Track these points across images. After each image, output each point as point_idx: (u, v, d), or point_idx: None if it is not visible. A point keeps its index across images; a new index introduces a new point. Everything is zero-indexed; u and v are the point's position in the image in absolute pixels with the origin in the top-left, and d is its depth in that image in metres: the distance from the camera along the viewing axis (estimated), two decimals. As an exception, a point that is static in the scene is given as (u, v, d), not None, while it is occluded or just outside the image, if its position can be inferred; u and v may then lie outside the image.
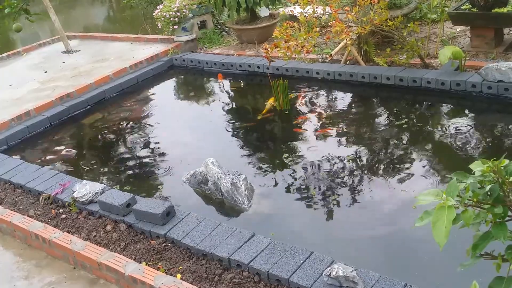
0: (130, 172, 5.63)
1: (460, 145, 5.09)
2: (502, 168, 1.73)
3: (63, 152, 6.31)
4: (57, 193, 4.92)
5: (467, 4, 6.73)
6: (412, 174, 4.69)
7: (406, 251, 3.80)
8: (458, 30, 7.65)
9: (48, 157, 6.26)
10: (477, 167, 1.76)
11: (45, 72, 9.21)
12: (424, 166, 4.78)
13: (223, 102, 7.21)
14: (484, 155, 4.78)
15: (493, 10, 6.36)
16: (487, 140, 5.13)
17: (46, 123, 7.11)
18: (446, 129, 5.42)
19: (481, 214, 1.73)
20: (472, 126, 5.41)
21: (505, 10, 6.33)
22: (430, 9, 7.69)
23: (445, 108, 5.95)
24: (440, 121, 5.65)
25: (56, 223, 4.62)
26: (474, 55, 6.62)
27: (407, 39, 6.59)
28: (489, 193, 1.74)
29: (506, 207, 1.74)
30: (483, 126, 5.40)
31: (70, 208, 4.74)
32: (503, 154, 2.05)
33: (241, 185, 4.65)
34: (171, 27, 8.97)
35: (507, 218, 1.78)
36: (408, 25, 6.54)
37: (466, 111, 5.78)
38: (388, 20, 6.25)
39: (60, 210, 4.79)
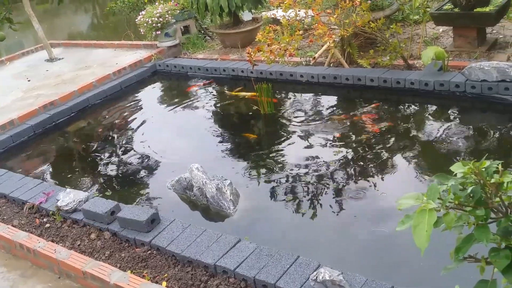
0: (114, 179, 5.59)
1: (444, 146, 5.10)
2: (483, 169, 1.72)
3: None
4: (41, 202, 4.87)
5: (449, 4, 6.77)
6: (397, 176, 4.71)
7: (392, 254, 3.80)
8: (440, 30, 7.70)
9: (32, 166, 6.20)
10: (458, 169, 1.75)
11: (29, 81, 9.14)
12: (408, 168, 4.79)
13: (206, 107, 7.18)
14: (468, 155, 4.80)
15: (475, 10, 6.40)
16: (471, 140, 5.14)
17: (30, 132, 7.05)
18: (430, 129, 5.43)
19: (463, 216, 1.71)
20: (456, 126, 5.43)
21: (487, 9, 6.37)
22: (412, 10, 7.72)
23: (429, 108, 5.97)
24: (424, 122, 5.67)
25: (41, 233, 4.57)
26: (457, 55, 6.66)
27: (390, 40, 6.61)
28: (471, 195, 1.73)
29: (488, 209, 1.73)
30: (467, 126, 5.42)
31: (54, 217, 4.69)
32: (487, 154, 2.05)
33: (226, 190, 4.62)
34: (154, 32, 8.94)
35: (489, 220, 1.77)
36: (391, 26, 6.57)
37: (450, 111, 5.80)
38: (370, 22, 6.27)
39: (44, 219, 4.75)
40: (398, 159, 4.95)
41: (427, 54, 5.88)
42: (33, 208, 4.90)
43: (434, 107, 5.96)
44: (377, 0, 7.16)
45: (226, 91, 7.39)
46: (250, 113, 6.62)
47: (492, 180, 1.71)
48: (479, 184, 1.74)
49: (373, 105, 6.12)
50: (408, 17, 8.09)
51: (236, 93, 7.21)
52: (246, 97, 6.69)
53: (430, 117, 5.78)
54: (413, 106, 6.10)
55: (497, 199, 1.75)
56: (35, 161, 6.42)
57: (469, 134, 5.24)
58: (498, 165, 1.75)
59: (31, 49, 11.40)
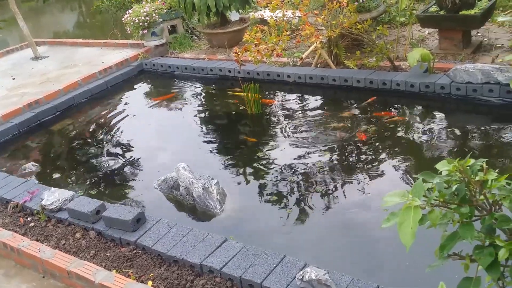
0: (100, 178, 5.55)
1: (429, 146, 5.13)
2: (468, 167, 1.74)
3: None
4: (25, 201, 4.82)
5: (435, 7, 6.82)
6: (383, 176, 4.72)
7: (378, 253, 3.81)
8: (426, 32, 7.75)
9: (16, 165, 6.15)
10: (443, 167, 1.77)
11: (13, 79, 9.06)
12: (394, 168, 4.82)
13: (193, 107, 7.17)
14: (453, 155, 4.83)
15: (460, 12, 6.45)
16: (456, 140, 5.18)
17: (15, 130, 6.99)
18: (415, 130, 5.47)
19: (448, 214, 1.73)
20: (441, 127, 5.47)
21: (472, 12, 6.42)
22: (398, 12, 7.77)
23: (415, 109, 6.01)
24: (410, 123, 5.70)
25: (25, 232, 4.53)
26: (442, 57, 6.71)
27: (376, 42, 6.64)
28: (455, 193, 1.75)
29: (472, 206, 1.75)
30: (452, 127, 5.46)
31: (39, 216, 4.65)
32: (472, 153, 2.07)
33: (213, 190, 4.62)
34: (140, 31, 8.91)
35: (474, 218, 1.79)
36: (377, 28, 6.61)
37: (435, 113, 5.84)
38: (357, 23, 6.30)
39: (29, 218, 4.70)
40: (384, 159, 4.98)
41: (413, 56, 5.93)
42: (17, 207, 4.86)
43: (419, 108, 6.00)
44: (364, 1, 7.20)
45: (230, 91, 7.29)
46: (238, 113, 6.61)
47: (477, 178, 1.73)
48: (463, 182, 1.75)
49: (369, 100, 6.15)
50: (394, 19, 8.14)
51: (239, 94, 7.14)
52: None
53: (415, 118, 5.81)
54: (398, 107, 6.13)
55: (482, 197, 1.77)
56: (19, 160, 6.35)
57: (454, 135, 5.29)
58: (482, 163, 1.77)
59: (16, 47, 11.31)
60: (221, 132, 6.31)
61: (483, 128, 5.34)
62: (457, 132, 5.36)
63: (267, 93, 7.04)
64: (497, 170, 1.86)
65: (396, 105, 6.16)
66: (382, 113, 5.90)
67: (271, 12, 6.47)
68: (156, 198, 4.95)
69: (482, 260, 1.72)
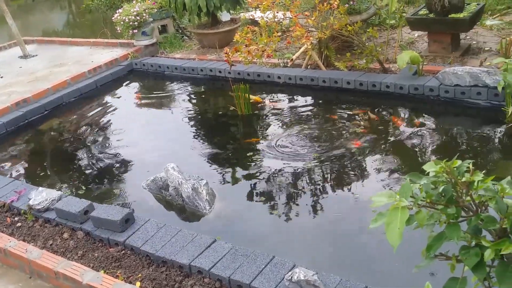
0: (88, 178, 5.52)
1: (418, 148, 5.16)
2: (455, 168, 1.75)
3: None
4: (12, 201, 4.79)
5: (424, 10, 6.86)
6: (372, 177, 4.74)
7: (367, 254, 3.82)
8: (416, 35, 7.80)
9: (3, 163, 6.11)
10: (430, 168, 1.78)
11: (1, 77, 8.99)
12: (383, 169, 4.83)
13: (183, 107, 7.16)
14: (441, 156, 4.86)
15: (449, 16, 6.50)
16: (443, 142, 5.22)
17: (2, 129, 6.93)
18: (403, 133, 5.49)
19: (435, 215, 1.74)
20: (430, 129, 5.50)
21: (461, 15, 6.47)
22: (388, 14, 7.80)
23: (404, 111, 6.03)
24: (398, 125, 5.72)
25: (12, 232, 4.49)
26: (431, 60, 6.75)
27: (366, 44, 6.67)
28: (442, 194, 1.76)
29: (459, 207, 1.76)
30: (440, 129, 5.49)
31: (26, 216, 4.62)
32: (459, 154, 2.08)
33: (202, 190, 4.61)
34: (130, 31, 8.88)
35: (460, 219, 1.80)
36: (367, 30, 6.63)
37: (424, 115, 5.87)
38: (347, 25, 6.32)
39: (16, 218, 4.67)
40: (372, 161, 4.99)
41: (402, 58, 5.96)
42: (4, 206, 4.82)
43: (408, 110, 6.03)
44: (355, 4, 7.23)
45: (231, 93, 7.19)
46: (227, 114, 6.61)
47: (463, 179, 1.75)
48: (450, 183, 1.77)
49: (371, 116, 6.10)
50: (384, 21, 8.18)
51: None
52: (251, 100, 6.57)
53: (404, 120, 5.84)
54: (388, 109, 6.15)
55: (468, 198, 1.78)
56: (6, 159, 6.31)
57: (442, 137, 5.32)
58: (469, 164, 1.78)
59: (4, 45, 11.23)
60: (211, 133, 6.30)
61: (470, 130, 5.38)
62: (445, 134, 5.39)
63: (258, 93, 7.04)
64: (483, 172, 1.88)
65: (385, 107, 6.17)
66: (397, 120, 5.86)
67: (262, 13, 6.48)
68: (145, 198, 4.93)
69: (468, 261, 1.74)
